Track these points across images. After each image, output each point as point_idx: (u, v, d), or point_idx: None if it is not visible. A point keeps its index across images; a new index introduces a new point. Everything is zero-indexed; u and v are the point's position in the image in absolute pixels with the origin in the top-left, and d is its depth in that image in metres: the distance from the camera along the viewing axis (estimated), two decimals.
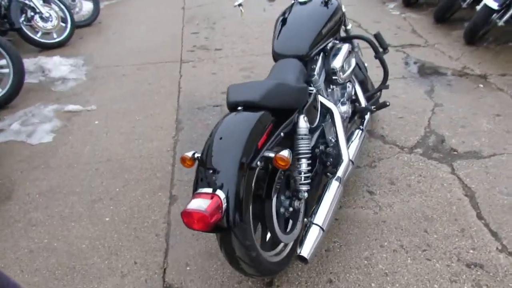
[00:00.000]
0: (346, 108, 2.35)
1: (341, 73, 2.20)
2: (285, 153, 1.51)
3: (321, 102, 2.12)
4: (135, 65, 4.29)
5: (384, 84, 2.66)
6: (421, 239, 2.03)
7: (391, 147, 2.76)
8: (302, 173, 1.77)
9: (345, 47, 2.28)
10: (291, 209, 1.77)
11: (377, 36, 2.59)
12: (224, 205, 1.41)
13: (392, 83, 3.56)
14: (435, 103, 3.25)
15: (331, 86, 2.31)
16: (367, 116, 2.52)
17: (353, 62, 2.35)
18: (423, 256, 1.93)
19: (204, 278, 1.89)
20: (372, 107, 2.52)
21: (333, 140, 2.14)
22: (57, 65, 4.22)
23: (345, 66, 2.24)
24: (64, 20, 5.02)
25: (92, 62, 4.45)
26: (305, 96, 1.87)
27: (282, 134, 1.68)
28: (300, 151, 1.76)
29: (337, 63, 2.18)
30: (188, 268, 1.95)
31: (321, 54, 2.22)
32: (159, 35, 5.13)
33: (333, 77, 2.19)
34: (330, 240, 2.05)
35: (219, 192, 1.42)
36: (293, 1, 2.40)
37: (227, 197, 1.42)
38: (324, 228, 1.70)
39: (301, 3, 2.34)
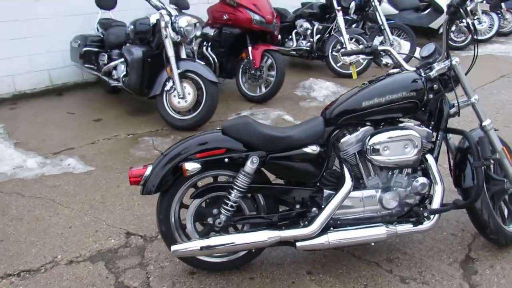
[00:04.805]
0: (389, 198, 2.15)
1: (373, 155, 2.10)
2: (188, 165, 2.00)
3: (340, 169, 2.19)
4: None
5: (468, 201, 2.18)
6: None
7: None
8: (230, 201, 2.10)
9: (399, 132, 2.10)
10: (215, 222, 2.14)
11: (481, 142, 2.15)
12: (146, 176, 2.07)
13: None
14: None
15: (379, 168, 2.19)
16: (423, 224, 2.16)
17: (411, 152, 2.11)
18: None
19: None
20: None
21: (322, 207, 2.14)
22: (322, 89, 5.29)
23: (383, 149, 2.09)
24: None
25: None
26: (273, 145, 2.08)
27: (226, 160, 2.07)
28: (236, 184, 2.08)
29: (371, 140, 2.09)
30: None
31: (366, 127, 2.16)
32: None
33: (366, 154, 2.13)
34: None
35: (149, 167, 2.12)
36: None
37: (151, 173, 2.06)
38: (204, 248, 2.04)
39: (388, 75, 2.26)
